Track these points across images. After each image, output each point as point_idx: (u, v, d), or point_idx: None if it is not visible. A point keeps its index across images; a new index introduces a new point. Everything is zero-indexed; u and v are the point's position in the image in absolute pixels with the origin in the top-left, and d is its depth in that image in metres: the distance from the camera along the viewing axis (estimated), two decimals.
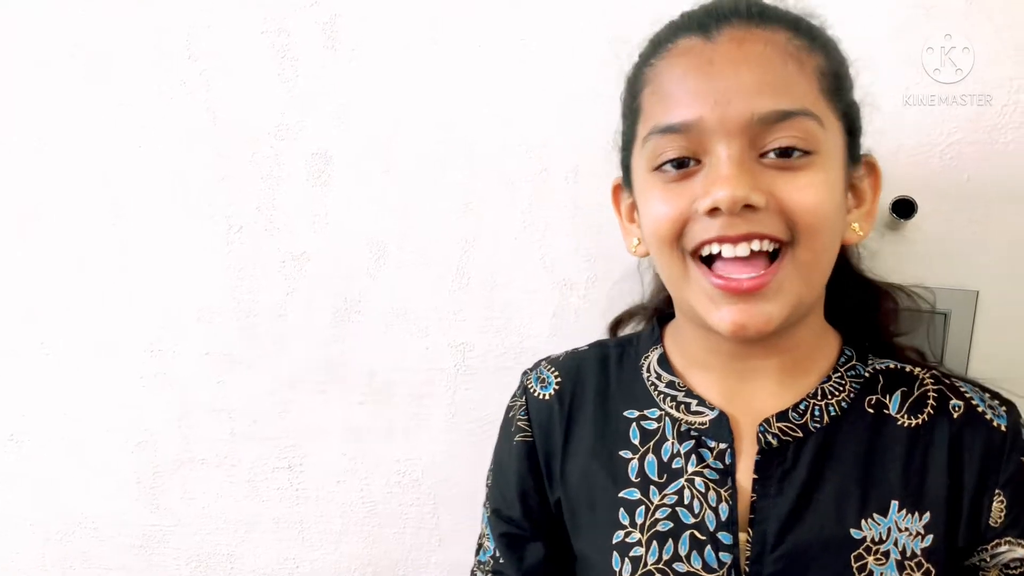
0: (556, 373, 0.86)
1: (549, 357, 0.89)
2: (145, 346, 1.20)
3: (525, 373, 0.89)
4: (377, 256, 1.12)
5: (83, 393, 1.23)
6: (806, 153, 0.65)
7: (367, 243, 1.11)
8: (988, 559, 0.74)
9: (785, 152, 0.65)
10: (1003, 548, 0.73)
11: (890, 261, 0.97)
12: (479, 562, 0.88)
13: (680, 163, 0.67)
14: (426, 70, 1.06)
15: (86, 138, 1.14)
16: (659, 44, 0.71)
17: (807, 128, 0.65)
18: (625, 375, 0.84)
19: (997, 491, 0.73)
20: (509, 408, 0.89)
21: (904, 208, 0.93)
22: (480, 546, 0.89)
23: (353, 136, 1.09)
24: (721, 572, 0.73)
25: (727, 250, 0.66)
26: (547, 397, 0.85)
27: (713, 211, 0.65)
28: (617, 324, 0.98)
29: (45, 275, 1.19)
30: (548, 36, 1.01)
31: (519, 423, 0.86)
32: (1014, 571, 0.73)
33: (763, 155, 0.66)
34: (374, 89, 1.07)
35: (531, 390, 0.86)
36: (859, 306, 0.85)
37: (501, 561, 0.86)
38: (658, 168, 0.69)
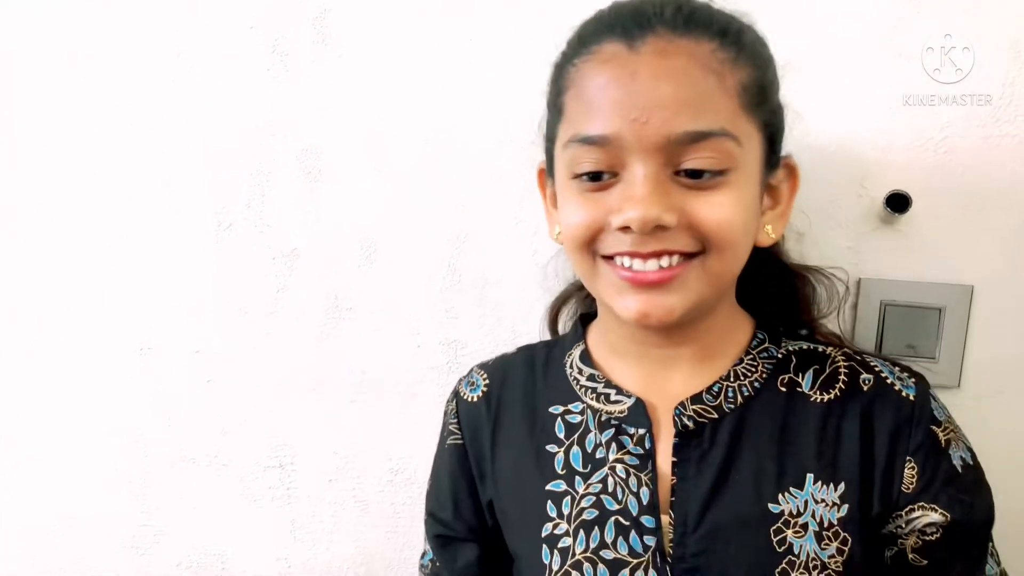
0: (484, 376, 0.89)
1: (481, 362, 0.93)
2: (135, 345, 1.19)
3: (460, 379, 0.92)
4: (368, 253, 1.11)
5: (72, 393, 1.22)
6: (720, 172, 0.67)
7: (358, 240, 1.10)
8: (904, 525, 0.75)
9: (697, 173, 0.66)
10: (916, 514, 0.75)
11: (884, 256, 0.97)
12: (421, 566, 0.93)
13: (597, 176, 0.69)
14: (417, 65, 1.05)
15: (74, 135, 1.13)
16: (584, 43, 0.70)
17: (722, 148, 0.66)
18: (551, 374, 0.86)
19: (908, 458, 0.75)
20: (444, 413, 0.92)
21: (898, 202, 0.92)
22: (424, 551, 0.94)
23: (344, 132, 1.08)
24: (647, 556, 0.74)
25: (638, 264, 0.69)
26: (475, 399, 0.88)
27: (625, 228, 0.67)
28: (558, 308, 1.00)
29: (34, 274, 1.19)
30: (540, 31, 1.00)
31: (450, 426, 0.89)
32: (930, 536, 0.75)
33: (677, 172, 0.67)
34: (365, 84, 1.06)
35: (461, 394, 0.90)
36: (777, 292, 0.87)
37: (437, 564, 0.90)
38: (576, 177, 0.70)
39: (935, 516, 0.74)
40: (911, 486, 0.75)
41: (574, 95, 0.70)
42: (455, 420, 0.89)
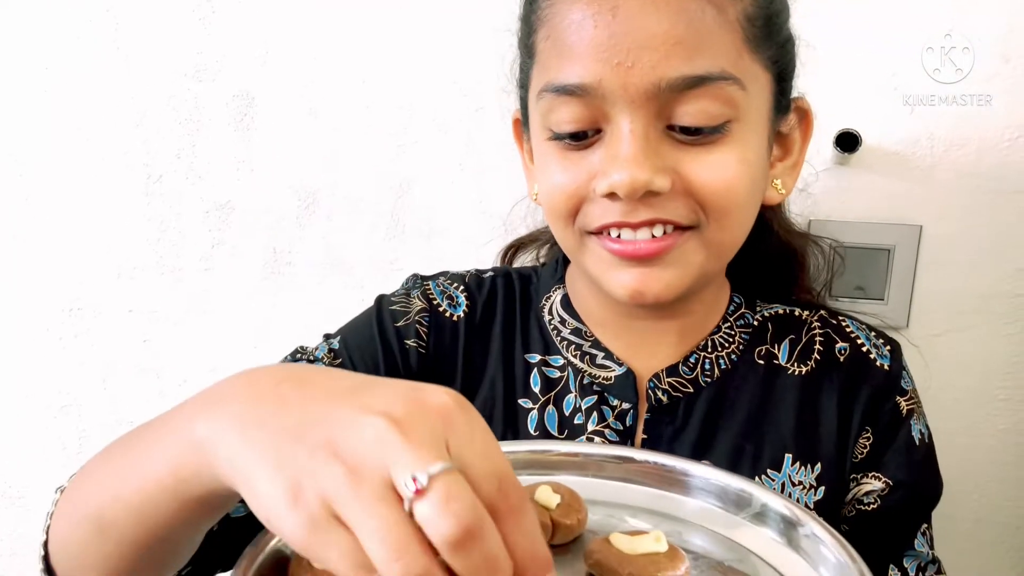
0: (465, 293, 0.77)
1: (449, 273, 0.80)
2: (63, 305, 1.13)
3: (420, 279, 0.79)
4: (306, 204, 1.06)
5: (0, 357, 1.16)
6: (720, 127, 0.58)
7: (295, 191, 1.06)
8: (849, 498, 0.73)
9: (695, 130, 0.58)
10: (862, 483, 0.72)
11: (834, 196, 0.96)
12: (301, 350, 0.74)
13: (577, 135, 0.60)
14: (353, 5, 0.99)
15: None
16: None
17: (724, 95, 0.57)
18: (528, 313, 0.77)
19: (866, 427, 0.72)
20: (395, 302, 0.76)
21: (848, 142, 0.90)
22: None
23: (276, 76, 1.02)
24: None
25: (627, 234, 0.60)
26: (456, 318, 0.75)
27: (611, 195, 0.59)
28: (514, 251, 0.91)
29: None
30: None
31: (417, 328, 0.73)
32: (867, 507, 0.72)
33: (671, 127, 0.58)
34: (298, 25, 1.01)
35: (435, 303, 0.76)
36: (770, 264, 0.80)
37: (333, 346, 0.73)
38: (553, 138, 0.62)
39: (877, 484, 0.72)
40: (862, 454, 0.72)
41: (546, 35, 0.60)
42: (425, 324, 0.74)
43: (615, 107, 0.57)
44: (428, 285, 0.78)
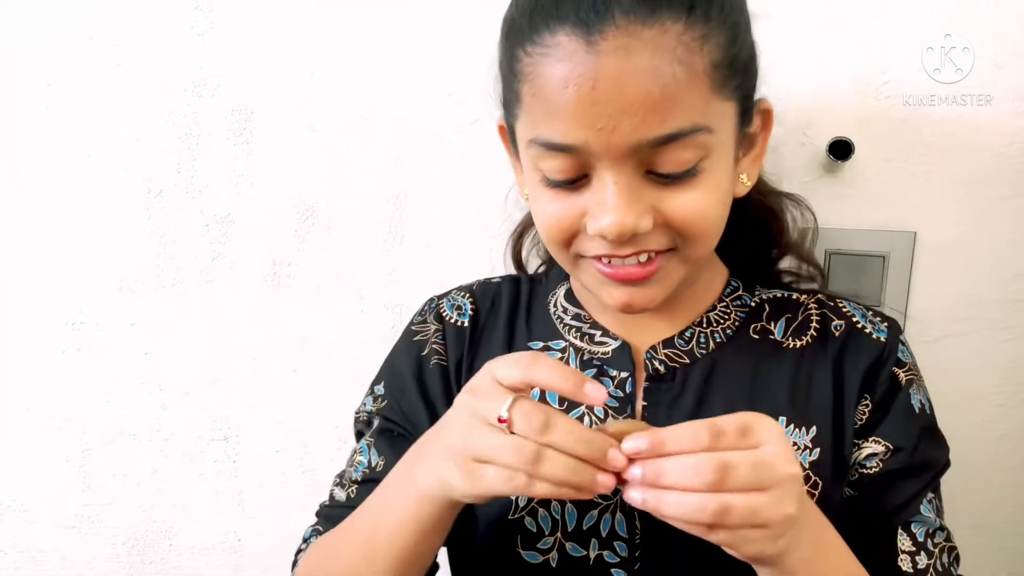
0: (471, 300, 0.86)
1: (460, 286, 0.89)
2: (65, 319, 1.14)
3: (435, 300, 0.88)
4: (305, 216, 1.07)
5: (2, 371, 1.17)
6: (693, 169, 0.64)
7: (294, 203, 1.07)
8: (852, 463, 0.76)
9: (670, 175, 0.64)
10: (863, 448, 0.76)
11: (828, 204, 0.96)
12: (348, 481, 0.83)
13: (567, 181, 0.66)
14: (350, 18, 1.01)
15: None
16: (535, 26, 0.63)
17: (696, 143, 0.62)
18: (534, 310, 0.85)
19: (865, 395, 0.76)
20: (416, 332, 0.86)
21: (841, 149, 0.91)
22: (348, 465, 0.84)
23: (275, 90, 1.04)
24: (615, 499, 0.73)
25: (616, 260, 0.68)
26: (463, 324, 0.84)
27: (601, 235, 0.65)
28: (520, 235, 0.97)
29: None
30: None
31: (435, 347, 0.84)
32: (869, 471, 0.76)
33: (650, 172, 0.64)
34: (295, 40, 1.02)
35: (447, 317, 0.85)
36: (750, 219, 0.85)
37: (380, 466, 0.81)
38: (546, 182, 0.67)
39: (878, 448, 0.75)
40: (861, 420, 0.76)
41: (531, 91, 0.64)
42: (441, 341, 0.84)
43: (600, 161, 0.63)
44: (441, 303, 0.87)
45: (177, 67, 1.04)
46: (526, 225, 0.96)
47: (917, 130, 0.93)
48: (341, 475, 0.84)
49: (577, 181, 0.66)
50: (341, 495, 0.82)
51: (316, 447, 1.16)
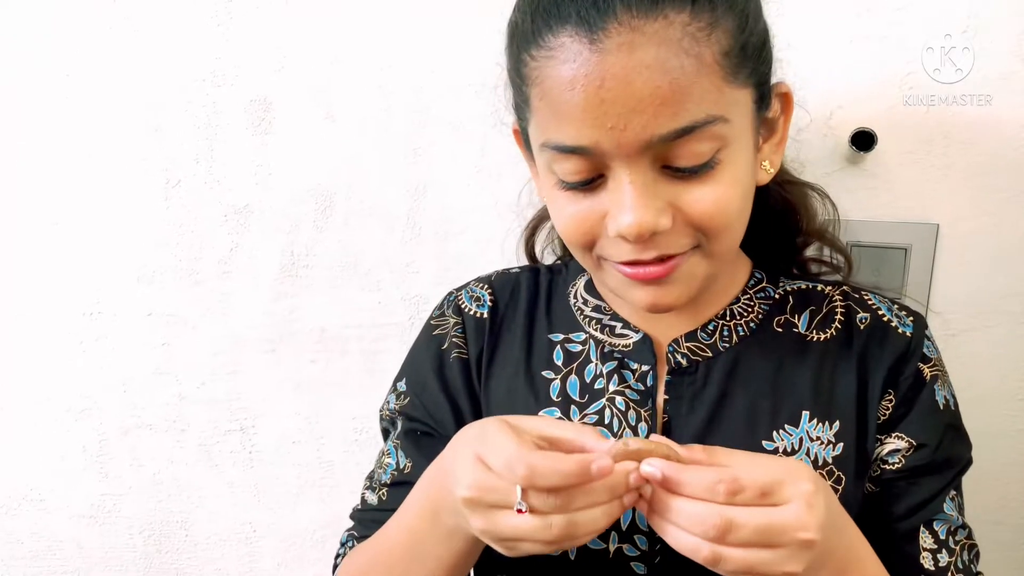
0: (490, 291, 0.85)
1: (479, 277, 0.88)
2: (83, 309, 1.14)
3: (453, 293, 0.88)
4: (323, 207, 1.07)
5: (20, 361, 1.17)
6: (710, 161, 0.62)
7: (312, 194, 1.07)
8: (875, 458, 0.76)
9: (687, 168, 0.62)
10: (887, 443, 0.75)
11: (850, 196, 0.96)
12: (378, 484, 0.83)
13: (583, 183, 0.65)
14: (368, 9, 1.00)
15: (7, 91, 1.07)
16: (538, 29, 0.62)
17: (711, 134, 0.61)
18: (554, 300, 0.84)
19: (890, 390, 0.75)
20: (435, 326, 0.86)
21: (863, 141, 0.90)
22: (377, 467, 0.84)
23: (293, 81, 1.03)
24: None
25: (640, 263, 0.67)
26: (482, 315, 0.84)
27: (621, 236, 0.64)
28: (533, 229, 0.96)
29: None
30: None
31: (455, 340, 0.83)
32: (891, 467, 0.75)
33: (666, 166, 0.63)
34: (314, 30, 1.02)
35: (465, 308, 0.85)
36: (773, 220, 0.84)
37: (409, 468, 0.81)
38: (561, 185, 0.66)
39: (900, 444, 0.75)
40: (885, 415, 0.75)
41: (539, 95, 0.63)
42: (461, 334, 0.83)
43: (614, 161, 0.62)
44: (460, 295, 0.86)
45: (196, 57, 1.04)
46: (539, 220, 0.96)
47: (940, 122, 0.92)
48: (371, 477, 0.84)
49: (593, 182, 0.64)
50: (373, 499, 0.82)
51: (332, 438, 1.16)
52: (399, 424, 0.84)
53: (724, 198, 0.64)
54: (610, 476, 0.56)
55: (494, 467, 0.58)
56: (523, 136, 0.73)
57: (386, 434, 0.87)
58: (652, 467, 0.57)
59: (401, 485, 0.79)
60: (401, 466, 0.81)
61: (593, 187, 0.65)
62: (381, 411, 0.87)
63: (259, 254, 1.10)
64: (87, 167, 1.09)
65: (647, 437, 0.72)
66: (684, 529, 0.57)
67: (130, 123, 1.07)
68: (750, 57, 0.63)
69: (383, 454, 0.84)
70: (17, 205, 1.11)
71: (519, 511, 0.57)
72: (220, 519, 1.22)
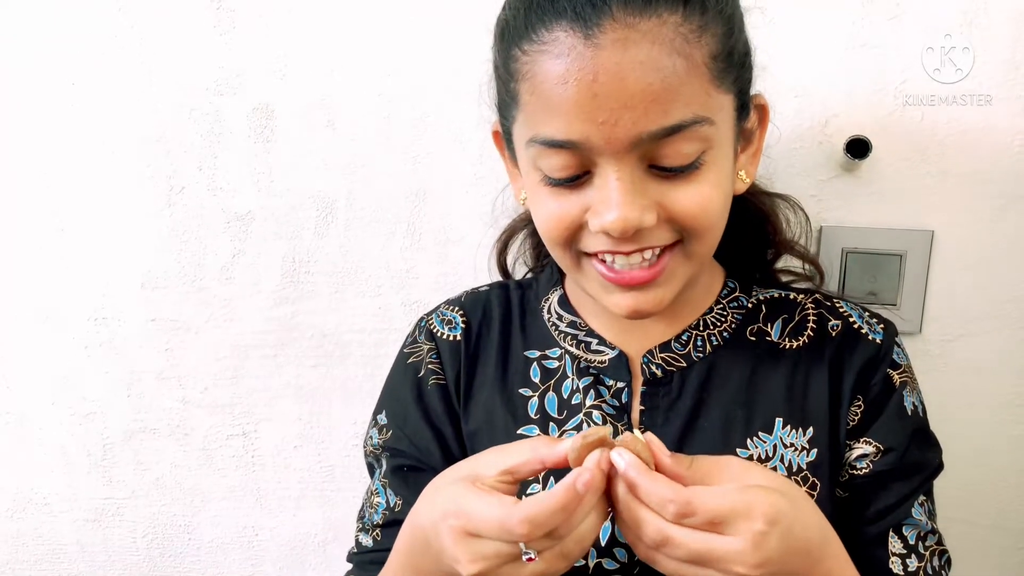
0: (461, 312, 0.85)
1: (448, 300, 0.89)
2: (88, 315, 1.16)
3: (424, 319, 0.88)
4: (325, 214, 1.08)
5: (25, 366, 1.18)
6: (695, 162, 0.63)
7: (314, 201, 1.08)
8: (843, 463, 0.77)
9: (673, 168, 0.63)
10: (854, 448, 0.76)
11: (845, 203, 0.96)
12: (371, 525, 0.82)
13: (569, 179, 0.65)
14: (369, 18, 1.02)
15: (13, 100, 1.08)
16: (531, 23, 0.63)
17: (697, 135, 0.62)
18: (528, 316, 0.84)
19: (858, 396, 0.76)
20: (409, 354, 0.86)
21: (858, 148, 0.91)
22: (367, 506, 0.84)
23: (295, 89, 1.05)
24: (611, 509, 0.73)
25: (620, 260, 0.67)
26: (455, 338, 0.84)
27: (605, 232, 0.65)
28: (505, 242, 0.97)
29: None
30: None
31: (430, 367, 0.83)
32: (859, 471, 0.76)
33: (652, 166, 0.64)
34: (315, 39, 1.03)
35: (438, 333, 0.85)
36: (745, 219, 0.84)
37: (399, 506, 0.81)
38: (546, 181, 0.66)
39: (868, 448, 0.76)
40: (854, 421, 0.76)
41: (529, 89, 0.64)
42: (436, 360, 0.83)
43: (602, 156, 0.62)
44: (431, 320, 0.87)
45: (199, 66, 1.05)
46: (512, 232, 0.96)
47: (934, 129, 0.93)
48: (362, 517, 0.84)
49: (578, 179, 0.65)
50: (367, 540, 0.82)
51: (333, 443, 1.17)
52: (384, 461, 0.83)
53: (708, 198, 0.65)
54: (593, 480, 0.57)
55: (488, 535, 0.57)
56: (505, 136, 0.74)
57: (371, 469, 0.86)
58: (620, 459, 0.58)
59: (393, 525, 0.78)
60: (391, 504, 0.81)
61: (578, 184, 0.65)
62: (364, 446, 0.87)
63: (261, 260, 1.11)
64: (92, 174, 1.10)
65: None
66: (627, 527, 0.59)
67: (134, 131, 1.08)
68: (735, 64, 0.65)
69: (371, 493, 0.83)
70: (23, 211, 1.12)
71: (529, 559, 0.56)
72: (222, 523, 1.23)
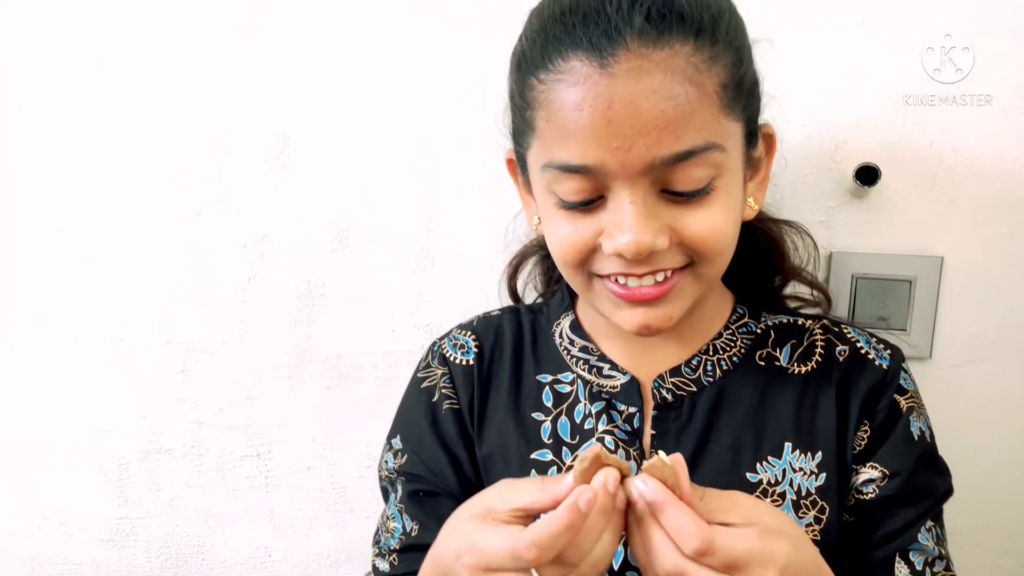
0: (473, 337, 0.87)
1: (460, 324, 0.90)
2: (106, 336, 1.17)
3: (436, 343, 0.89)
4: (339, 238, 1.10)
5: (44, 385, 1.20)
6: (706, 187, 0.65)
7: (329, 225, 1.09)
8: (850, 487, 0.77)
9: (685, 192, 0.65)
10: (861, 473, 0.77)
11: (855, 229, 0.97)
12: (387, 550, 0.82)
13: (583, 203, 0.67)
14: (383, 46, 1.03)
15: (36, 125, 1.11)
16: (548, 55, 0.64)
17: (709, 161, 0.64)
18: (539, 341, 0.86)
19: (865, 421, 0.77)
20: (423, 378, 0.87)
21: (867, 175, 0.92)
22: (383, 531, 0.84)
23: (311, 117, 1.06)
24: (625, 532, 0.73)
25: (632, 281, 0.68)
26: (468, 363, 0.85)
27: (618, 254, 0.66)
28: (515, 267, 0.98)
29: (1, 267, 1.16)
30: (508, 7, 0.99)
31: (444, 391, 0.84)
32: (866, 496, 0.76)
33: (664, 190, 0.65)
34: (331, 67, 1.05)
35: (451, 358, 0.86)
36: (752, 246, 0.85)
37: (413, 527, 0.81)
38: (560, 205, 0.68)
39: (874, 473, 0.76)
40: (860, 446, 0.77)
41: (545, 116, 0.65)
42: (449, 385, 0.85)
43: (616, 181, 0.64)
44: (443, 344, 0.88)
45: (218, 93, 1.07)
46: (523, 257, 0.98)
47: (942, 156, 0.94)
48: (378, 542, 0.84)
49: (592, 203, 0.66)
50: (384, 566, 0.82)
51: (346, 465, 1.18)
52: (399, 486, 0.84)
53: (719, 223, 0.66)
54: (597, 501, 0.57)
55: (501, 567, 0.57)
56: (519, 163, 0.75)
57: (385, 493, 0.87)
58: (644, 487, 0.58)
59: (410, 550, 0.79)
60: (408, 529, 0.81)
61: (592, 208, 0.67)
62: (379, 470, 0.88)
63: (276, 283, 1.12)
64: (112, 198, 1.12)
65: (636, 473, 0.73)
66: (644, 548, 0.59)
67: (154, 156, 1.10)
68: (744, 93, 0.67)
69: (387, 518, 0.84)
70: (43, 234, 1.14)
71: None
72: (236, 543, 1.24)
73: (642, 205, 0.64)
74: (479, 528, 0.60)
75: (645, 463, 0.59)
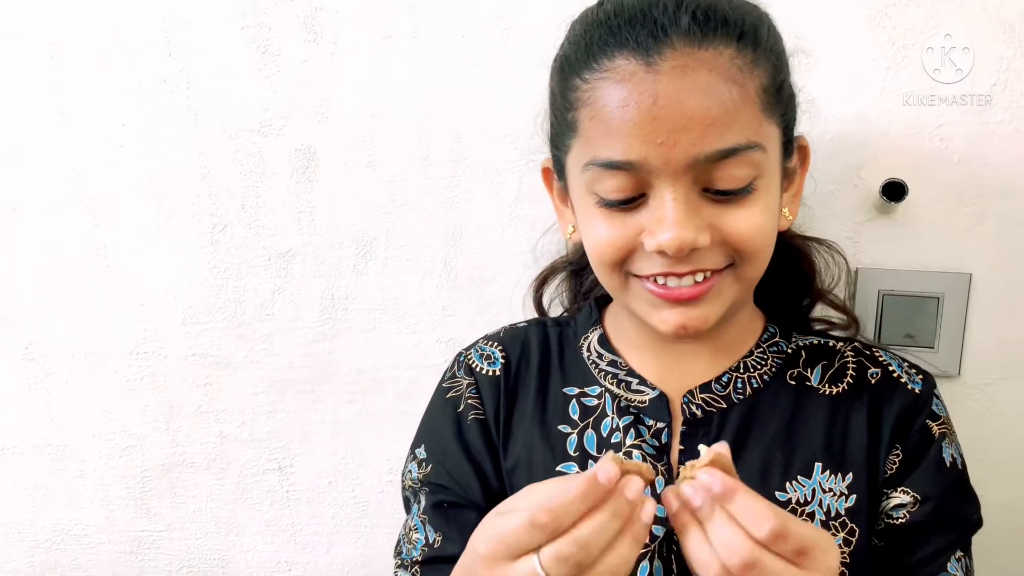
0: (500, 348, 0.86)
1: (487, 335, 0.90)
2: (130, 349, 1.18)
3: (462, 353, 0.88)
4: (363, 252, 1.10)
5: (68, 398, 1.21)
6: (748, 187, 0.66)
7: (353, 239, 1.10)
8: (880, 511, 0.76)
9: (727, 191, 0.66)
10: (892, 498, 0.76)
11: (881, 245, 0.97)
12: (409, 562, 0.81)
13: (624, 201, 0.67)
14: (408, 62, 1.04)
15: (65, 138, 1.12)
16: (592, 54, 0.66)
17: (750, 160, 0.65)
18: (567, 354, 0.85)
19: (897, 445, 0.76)
20: (448, 388, 0.86)
21: (894, 191, 0.92)
22: (405, 541, 0.82)
23: (336, 131, 1.07)
24: (653, 545, 0.73)
25: (672, 281, 0.68)
26: (495, 373, 0.84)
27: (660, 251, 0.66)
28: (542, 282, 0.99)
29: (26, 279, 1.18)
30: (532, 25, 1.00)
31: (470, 401, 0.84)
32: (896, 521, 0.75)
33: (706, 189, 0.66)
34: (357, 82, 1.06)
35: (477, 368, 0.85)
36: (783, 265, 0.84)
37: (437, 538, 0.79)
38: (602, 203, 0.68)
39: (905, 498, 0.75)
40: (891, 470, 0.76)
41: (589, 115, 0.67)
42: (476, 395, 0.84)
43: (659, 178, 0.65)
44: (470, 355, 0.87)
45: (245, 108, 1.08)
46: (552, 270, 0.98)
47: (970, 171, 0.93)
48: (399, 553, 0.83)
49: (633, 201, 0.67)
50: None
51: (368, 479, 1.18)
52: (423, 496, 0.83)
53: (759, 222, 0.67)
54: (613, 501, 0.55)
55: (519, 542, 0.56)
56: (556, 168, 0.76)
57: (407, 503, 0.86)
58: (709, 478, 0.56)
59: (433, 561, 0.78)
60: (431, 541, 0.80)
61: (632, 206, 0.67)
62: (403, 480, 0.87)
63: (300, 297, 1.13)
64: (138, 212, 1.13)
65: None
66: (709, 544, 0.56)
67: (180, 170, 1.11)
68: (783, 100, 0.68)
69: (410, 528, 0.83)
70: (69, 247, 1.16)
71: None
72: (257, 557, 1.24)
73: (684, 202, 0.65)
74: (496, 518, 0.59)
75: (699, 459, 0.58)
